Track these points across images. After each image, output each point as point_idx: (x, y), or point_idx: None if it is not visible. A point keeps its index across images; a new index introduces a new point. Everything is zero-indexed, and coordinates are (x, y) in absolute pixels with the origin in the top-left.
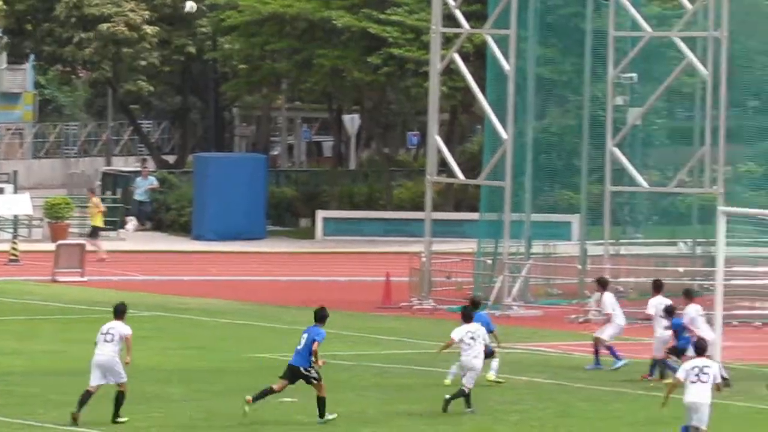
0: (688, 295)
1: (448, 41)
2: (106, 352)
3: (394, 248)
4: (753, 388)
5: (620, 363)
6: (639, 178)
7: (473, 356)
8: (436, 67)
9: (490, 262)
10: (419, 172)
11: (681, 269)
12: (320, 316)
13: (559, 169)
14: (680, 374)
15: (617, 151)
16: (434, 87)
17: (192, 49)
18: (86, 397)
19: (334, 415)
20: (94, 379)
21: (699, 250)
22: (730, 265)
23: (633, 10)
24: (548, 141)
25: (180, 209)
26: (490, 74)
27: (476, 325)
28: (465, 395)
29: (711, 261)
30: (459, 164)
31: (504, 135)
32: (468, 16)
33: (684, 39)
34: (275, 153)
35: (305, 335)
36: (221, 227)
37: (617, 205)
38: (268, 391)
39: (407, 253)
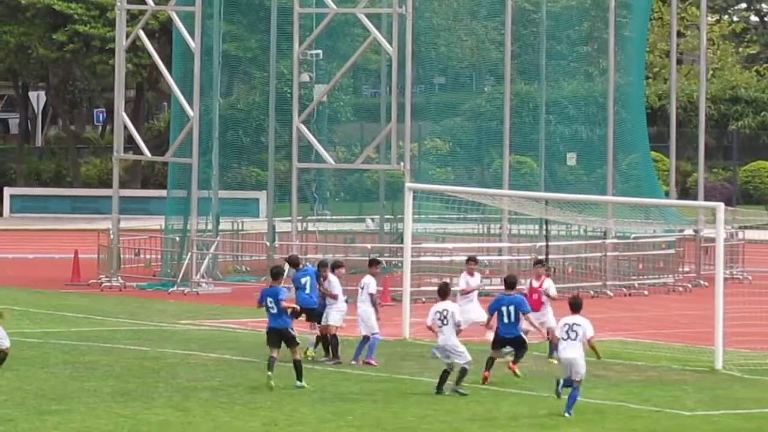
0: (373, 265)
1: (133, 18)
2: None
3: (81, 225)
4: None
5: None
6: (325, 155)
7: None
8: (121, 44)
9: (178, 239)
10: (106, 149)
11: (369, 246)
12: (275, 273)
13: (246, 145)
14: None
15: (304, 128)
16: (120, 64)
17: None
18: None
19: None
20: None
21: (387, 226)
22: (418, 241)
23: None
24: (235, 118)
25: None
26: (175, 51)
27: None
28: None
29: (399, 237)
30: (146, 141)
31: (190, 112)
32: None
33: (369, 16)
34: None
35: (269, 298)
36: None
37: (304, 181)
38: (272, 361)
39: (95, 230)
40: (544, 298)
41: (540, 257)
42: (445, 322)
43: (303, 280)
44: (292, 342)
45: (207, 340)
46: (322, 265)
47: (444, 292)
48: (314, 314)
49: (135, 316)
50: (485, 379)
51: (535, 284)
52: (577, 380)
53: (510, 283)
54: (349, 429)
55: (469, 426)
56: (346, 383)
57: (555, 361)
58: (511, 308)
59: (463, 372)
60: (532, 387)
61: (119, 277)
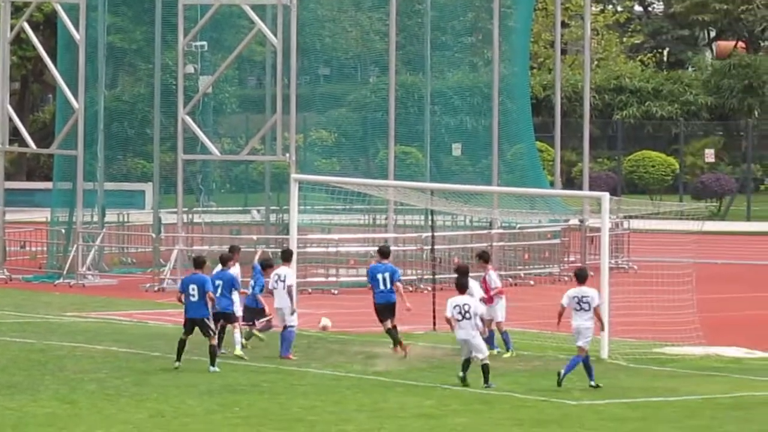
0: (285, 258)
1: (17, 10)
2: None
3: None
4: (329, 356)
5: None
6: (211, 147)
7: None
8: (5, 36)
9: (64, 231)
10: None
11: (255, 237)
12: (199, 262)
13: (131, 137)
14: (448, 312)
15: (189, 120)
16: (4, 56)
17: None
18: None
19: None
20: None
21: (272, 217)
22: (304, 232)
23: None
24: (120, 109)
25: None
26: (60, 43)
27: (467, 298)
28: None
29: (284, 228)
30: (31, 133)
31: (75, 104)
32: None
33: (254, 7)
34: None
35: (192, 285)
36: None
37: (190, 173)
38: (182, 344)
39: None
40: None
41: (483, 251)
42: (467, 316)
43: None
44: (207, 332)
45: (93, 332)
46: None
47: (463, 286)
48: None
49: (20, 309)
50: (403, 349)
51: (487, 278)
52: (585, 348)
53: (384, 253)
54: (235, 420)
55: (356, 416)
56: (233, 374)
57: (508, 355)
58: (386, 275)
59: (486, 368)
60: (418, 377)
61: (5, 270)
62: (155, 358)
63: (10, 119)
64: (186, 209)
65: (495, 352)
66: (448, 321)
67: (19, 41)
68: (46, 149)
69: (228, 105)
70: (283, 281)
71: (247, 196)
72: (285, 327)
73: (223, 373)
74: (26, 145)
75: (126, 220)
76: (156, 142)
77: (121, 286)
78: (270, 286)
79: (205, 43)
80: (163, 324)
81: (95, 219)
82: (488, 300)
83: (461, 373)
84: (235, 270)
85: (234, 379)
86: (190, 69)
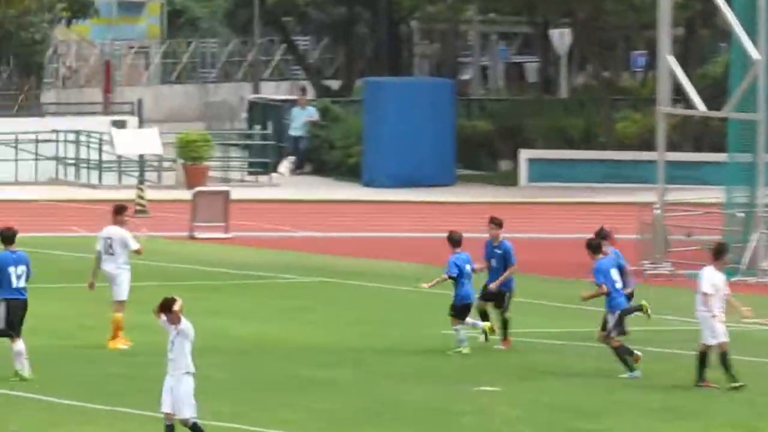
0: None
1: None
2: None
3: (616, 197)
4: None
5: None
6: None
7: None
8: None
9: (742, 215)
10: (648, 101)
11: None
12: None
13: None
14: None
15: None
16: None
17: None
18: None
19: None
20: None
21: None
22: None
23: None
24: None
25: (347, 148)
26: None
27: None
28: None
29: None
30: (699, 91)
31: (755, 55)
32: None
33: None
34: (465, 77)
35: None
36: (399, 171)
37: None
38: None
39: (634, 203)
40: None
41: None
42: None
43: None
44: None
45: None
46: None
47: None
48: None
49: (685, 313)
50: None
51: None
52: None
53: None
54: None
55: None
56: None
57: None
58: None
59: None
60: None
61: (667, 263)
62: None
63: (673, 74)
64: None
65: None
66: None
67: None
68: (716, 111)
69: None
70: None
71: None
72: None
73: None
74: (692, 107)
75: None
76: None
77: None
78: None
79: None
80: None
81: None
82: None
83: None
84: None
85: None
86: None
